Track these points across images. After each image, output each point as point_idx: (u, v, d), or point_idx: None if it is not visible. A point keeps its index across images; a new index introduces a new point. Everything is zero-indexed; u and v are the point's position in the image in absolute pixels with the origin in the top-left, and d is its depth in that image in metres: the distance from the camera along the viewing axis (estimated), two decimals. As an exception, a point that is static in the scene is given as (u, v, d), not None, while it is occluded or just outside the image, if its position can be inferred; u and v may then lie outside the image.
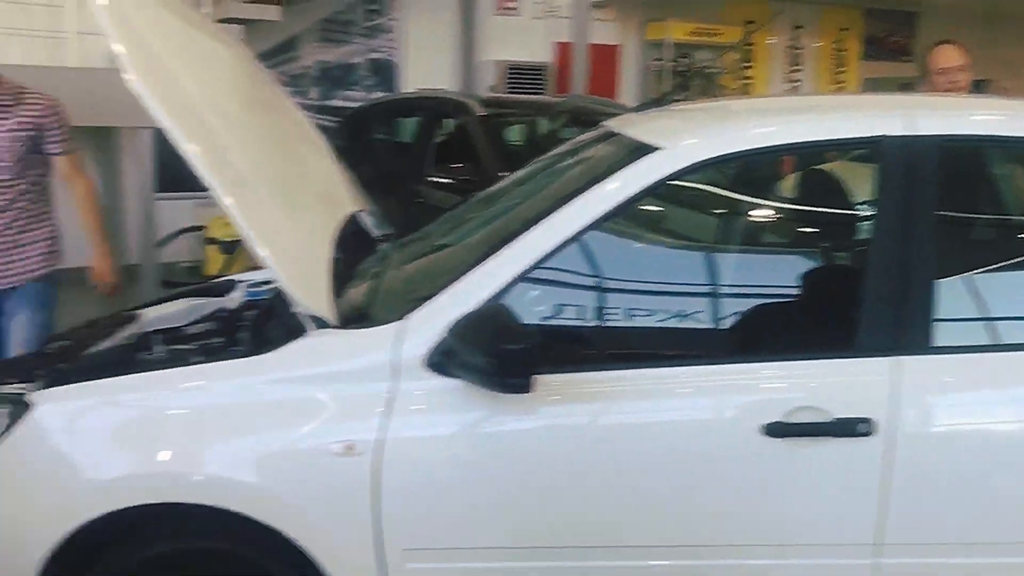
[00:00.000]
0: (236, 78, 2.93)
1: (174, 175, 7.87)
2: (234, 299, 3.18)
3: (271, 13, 7.22)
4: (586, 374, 2.15)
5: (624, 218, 2.24)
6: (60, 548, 2.14)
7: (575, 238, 2.13)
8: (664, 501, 2.13)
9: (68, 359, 2.61)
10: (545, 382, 2.02)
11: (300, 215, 2.60)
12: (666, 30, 10.32)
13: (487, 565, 2.15)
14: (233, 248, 7.99)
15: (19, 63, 6.60)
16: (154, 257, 6.85)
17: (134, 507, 2.14)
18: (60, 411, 2.23)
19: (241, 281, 3.34)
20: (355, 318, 2.28)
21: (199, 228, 8.06)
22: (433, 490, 2.11)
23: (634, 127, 2.57)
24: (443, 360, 2.09)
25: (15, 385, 2.36)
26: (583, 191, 2.19)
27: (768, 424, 2.07)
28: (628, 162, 2.23)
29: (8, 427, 2.20)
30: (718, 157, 2.24)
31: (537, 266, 2.12)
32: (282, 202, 2.48)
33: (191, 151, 2.09)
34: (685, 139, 2.32)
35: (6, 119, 3.32)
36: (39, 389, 2.30)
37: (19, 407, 2.22)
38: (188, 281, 7.29)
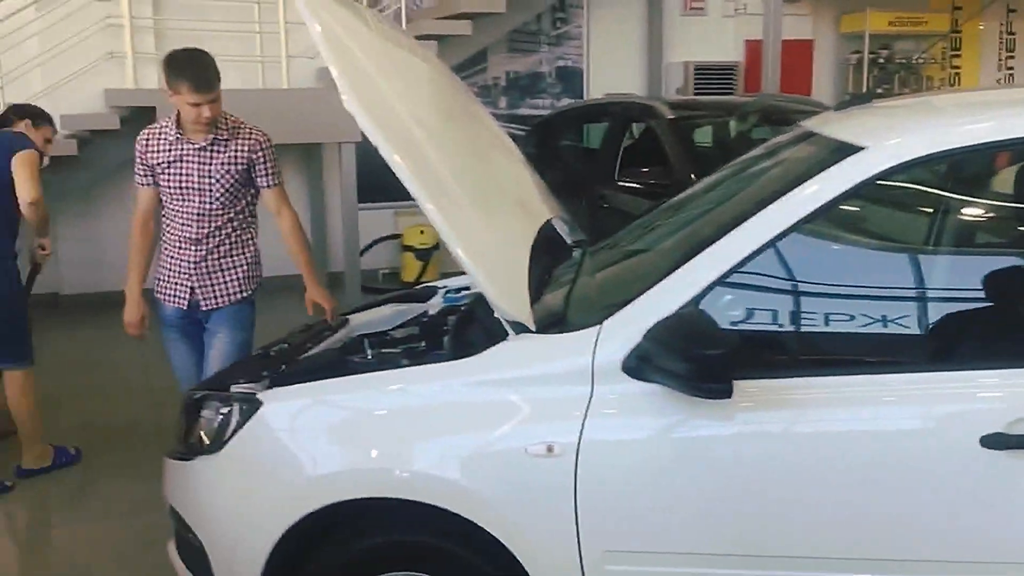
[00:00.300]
0: (435, 91, 3.07)
1: (374, 186, 8.32)
2: (435, 305, 3.33)
3: (462, 28, 7.47)
4: (786, 380, 2.11)
5: (826, 220, 2.18)
6: (282, 539, 2.32)
7: (775, 241, 2.10)
8: (867, 513, 2.05)
9: (288, 361, 2.82)
10: (744, 388, 2.00)
11: (499, 222, 2.69)
12: (863, 21, 9.86)
13: (684, 571, 2.14)
14: (427, 255, 8.34)
15: (238, 87, 7.19)
16: (356, 264, 7.22)
17: (348, 501, 2.28)
18: (283, 410, 2.41)
19: (441, 287, 3.50)
20: (552, 323, 2.33)
21: (396, 236, 8.46)
22: (630, 493, 2.13)
23: (834, 126, 2.49)
24: (640, 365, 2.10)
25: (245, 385, 2.58)
26: (783, 193, 2.15)
27: (986, 436, 1.96)
28: (830, 163, 2.16)
29: (241, 423, 2.41)
30: (926, 156, 2.14)
31: (736, 270, 2.10)
32: (482, 209, 2.56)
33: (397, 161, 2.19)
34: (890, 138, 2.23)
35: (221, 152, 3.50)
36: (265, 389, 2.50)
37: (251, 405, 2.42)
38: (387, 288, 7.68)
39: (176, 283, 3.57)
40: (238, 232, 3.61)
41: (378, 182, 8.33)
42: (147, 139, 3.52)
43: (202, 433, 2.53)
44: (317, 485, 2.31)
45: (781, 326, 2.24)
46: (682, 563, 2.14)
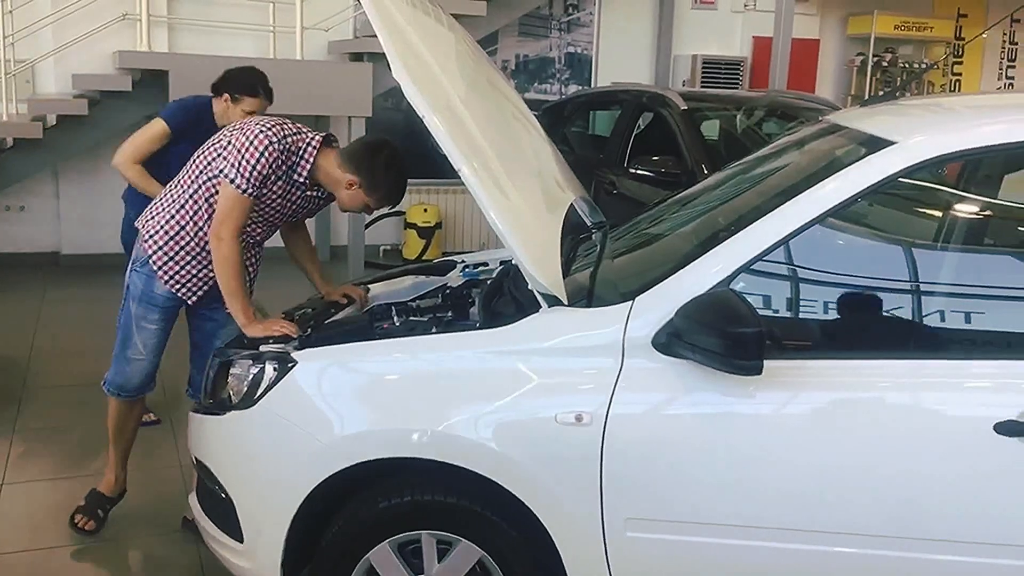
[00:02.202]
0: (462, 61, 3.10)
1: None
2: (454, 278, 3.39)
3: (477, 8, 7.50)
4: (814, 362, 2.20)
5: (854, 211, 2.25)
6: (310, 495, 2.39)
7: (805, 228, 2.17)
8: (886, 491, 2.14)
9: (315, 325, 2.88)
10: (773, 367, 2.07)
11: (531, 195, 2.74)
12: (870, 24, 9.94)
13: (702, 540, 2.23)
14: (430, 233, 8.39)
15: (251, 56, 7.20)
16: (362, 239, 7.26)
17: (376, 461, 2.35)
18: (316, 369, 2.47)
19: (459, 262, 3.56)
20: (583, 299, 2.40)
21: (400, 213, 8.50)
22: (654, 463, 2.21)
23: (863, 121, 2.56)
24: (670, 340, 2.18)
25: (273, 345, 2.64)
26: (816, 182, 2.22)
27: (1001, 423, 2.05)
28: (861, 156, 2.24)
29: (274, 381, 2.47)
30: (954, 153, 2.23)
31: (767, 254, 2.17)
32: (514, 181, 2.61)
33: (435, 123, 2.23)
34: (919, 134, 2.30)
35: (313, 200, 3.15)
36: (295, 350, 2.56)
37: (284, 363, 2.48)
38: (388, 264, 7.72)
39: (204, 281, 3.14)
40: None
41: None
42: (276, 158, 2.89)
43: (233, 390, 2.59)
44: (346, 444, 2.37)
45: (810, 310, 2.32)
46: (701, 533, 2.22)
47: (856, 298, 2.33)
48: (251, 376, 2.54)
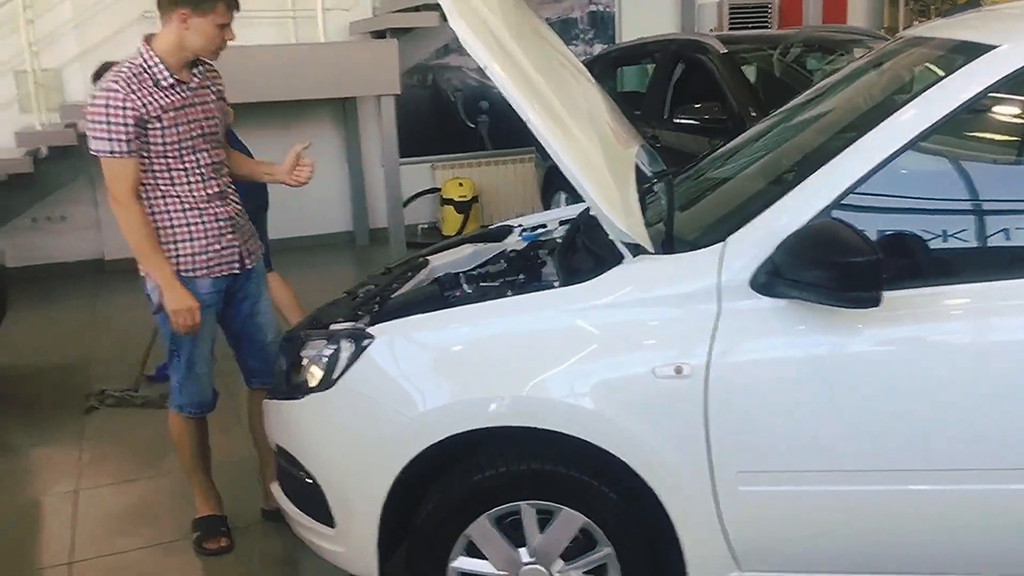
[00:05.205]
0: (506, 9, 2.95)
1: (410, 140, 8.21)
2: (514, 243, 3.27)
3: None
4: (935, 288, 2.05)
5: (960, 124, 2.09)
6: (401, 473, 2.29)
7: (909, 146, 2.02)
8: (1009, 424, 2.00)
9: (381, 300, 2.77)
10: (889, 298, 1.93)
11: (597, 145, 2.61)
12: (898, -47, 9.61)
13: (822, 488, 2.10)
14: (467, 207, 8.27)
15: (271, 43, 7.10)
16: (400, 219, 7.16)
17: (467, 432, 2.24)
18: (394, 344, 2.36)
19: (516, 226, 3.43)
20: (665, 246, 2.27)
21: (435, 190, 8.39)
22: (765, 413, 2.08)
23: (952, 31, 2.39)
24: (770, 280, 2.05)
25: (345, 323, 2.54)
26: (911, 97, 2.07)
27: None
28: (961, 63, 2.08)
29: (352, 360, 2.36)
30: None
31: (869, 178, 2.02)
32: (582, 130, 2.48)
33: (498, 72, 2.10)
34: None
35: (210, 89, 3.01)
36: (368, 326, 2.46)
37: (359, 341, 2.37)
38: (427, 242, 7.62)
39: (223, 248, 2.99)
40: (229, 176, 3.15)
41: (414, 136, 8.36)
42: (127, 92, 2.73)
43: (309, 372, 2.50)
44: (435, 418, 2.27)
45: (924, 234, 2.16)
46: (819, 481, 2.09)
47: (971, 219, 2.16)
48: (327, 356, 2.44)
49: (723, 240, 2.12)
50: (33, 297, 6.69)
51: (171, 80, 2.84)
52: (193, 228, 2.94)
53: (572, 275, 2.40)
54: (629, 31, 8.95)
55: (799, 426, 2.08)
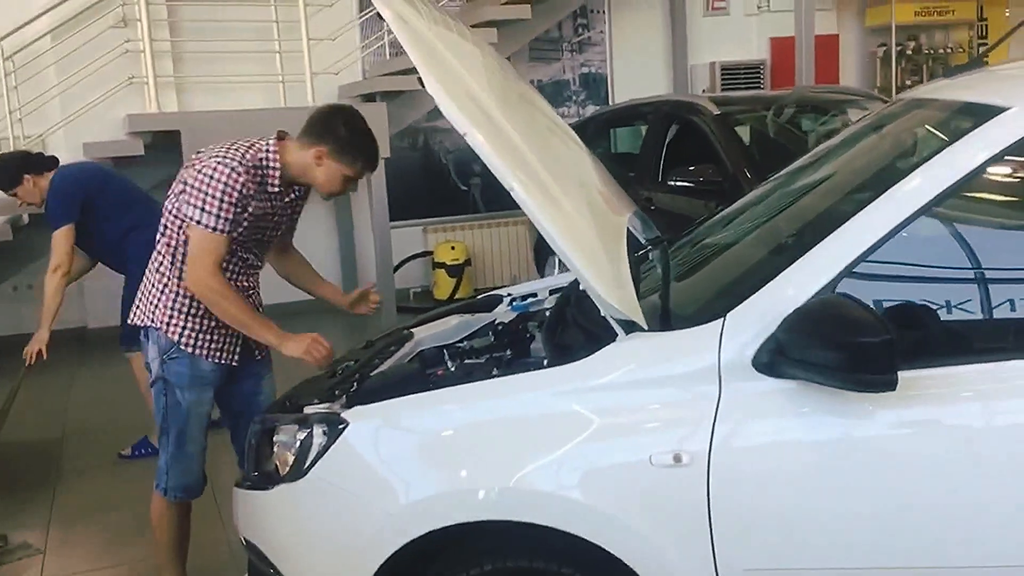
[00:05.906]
0: (491, 75, 2.85)
1: (401, 204, 8.11)
2: (503, 313, 3.11)
3: (488, 36, 7.30)
4: (953, 368, 1.88)
5: (973, 190, 1.96)
6: (379, 571, 2.10)
7: (920, 214, 1.87)
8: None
9: (360, 379, 2.60)
10: (905, 379, 1.77)
11: (587, 214, 2.47)
12: (889, 14, 9.66)
13: (839, 589, 1.92)
14: (459, 271, 8.14)
15: (261, 107, 7.05)
16: (391, 283, 7.02)
17: (450, 527, 2.06)
18: (370, 429, 2.20)
19: (505, 295, 3.28)
20: (663, 321, 2.12)
21: (427, 254, 8.27)
22: (772, 503, 1.91)
23: (958, 91, 2.28)
24: (773, 359, 1.88)
25: (320, 406, 2.37)
26: (919, 163, 1.93)
27: None
28: (969, 126, 1.95)
29: (325, 447, 2.19)
30: None
31: (877, 248, 1.87)
32: (569, 199, 2.35)
33: (480, 141, 1.96)
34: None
35: (292, 208, 3.01)
36: (344, 409, 2.29)
37: (334, 426, 2.20)
38: (421, 307, 7.47)
39: (234, 334, 2.91)
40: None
41: (405, 199, 8.25)
42: (247, 179, 2.71)
43: (279, 460, 2.32)
44: (414, 511, 2.08)
45: (941, 308, 2.01)
46: (833, 580, 1.91)
47: (991, 290, 2.02)
48: (298, 443, 2.27)
49: (722, 316, 1.97)
50: (17, 366, 6.51)
51: (277, 189, 2.83)
52: (204, 310, 2.83)
53: (562, 353, 2.24)
54: (622, 92, 8.94)
55: (809, 519, 1.90)
